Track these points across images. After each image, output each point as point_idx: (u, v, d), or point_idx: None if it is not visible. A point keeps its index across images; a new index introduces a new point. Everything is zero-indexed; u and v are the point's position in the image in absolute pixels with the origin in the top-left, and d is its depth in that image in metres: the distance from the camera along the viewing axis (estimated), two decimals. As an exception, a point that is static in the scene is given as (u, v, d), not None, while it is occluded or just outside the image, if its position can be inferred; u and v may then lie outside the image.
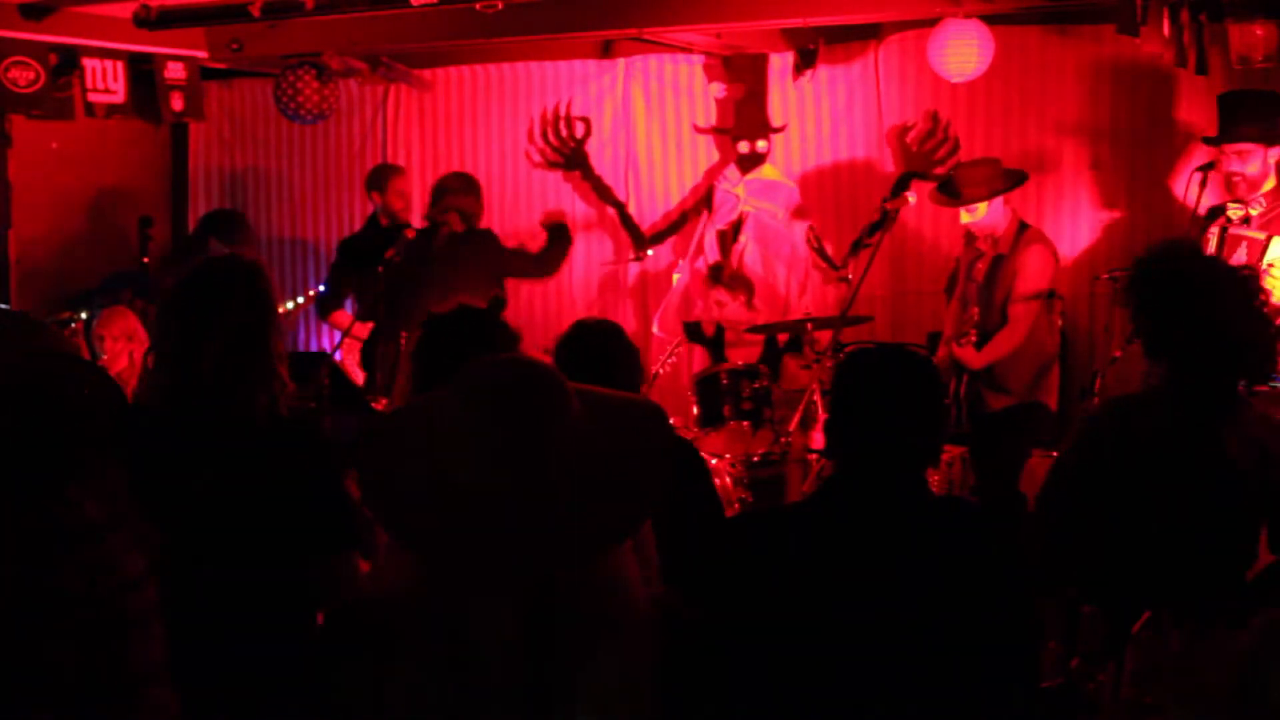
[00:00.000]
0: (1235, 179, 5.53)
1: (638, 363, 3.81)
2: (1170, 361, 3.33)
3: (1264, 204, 5.48)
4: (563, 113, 8.01)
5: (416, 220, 7.42)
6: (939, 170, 7.07)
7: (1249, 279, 3.55)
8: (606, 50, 8.01)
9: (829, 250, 7.38)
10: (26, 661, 2.24)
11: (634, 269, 8.00)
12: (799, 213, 7.51)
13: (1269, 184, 5.53)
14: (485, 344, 2.90)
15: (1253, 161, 5.52)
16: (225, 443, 2.90)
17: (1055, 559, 3.41)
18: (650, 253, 7.81)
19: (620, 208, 7.97)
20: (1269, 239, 5.28)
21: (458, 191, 7.02)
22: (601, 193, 8.02)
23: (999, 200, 6.05)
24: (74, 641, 2.28)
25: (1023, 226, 6.10)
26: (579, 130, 8.00)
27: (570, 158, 8.04)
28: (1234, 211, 5.48)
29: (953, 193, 6.15)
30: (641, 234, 7.92)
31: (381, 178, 7.50)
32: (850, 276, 6.34)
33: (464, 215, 6.94)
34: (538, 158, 8.12)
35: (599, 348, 3.70)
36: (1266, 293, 3.65)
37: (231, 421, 2.90)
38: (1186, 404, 3.27)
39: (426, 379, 3.00)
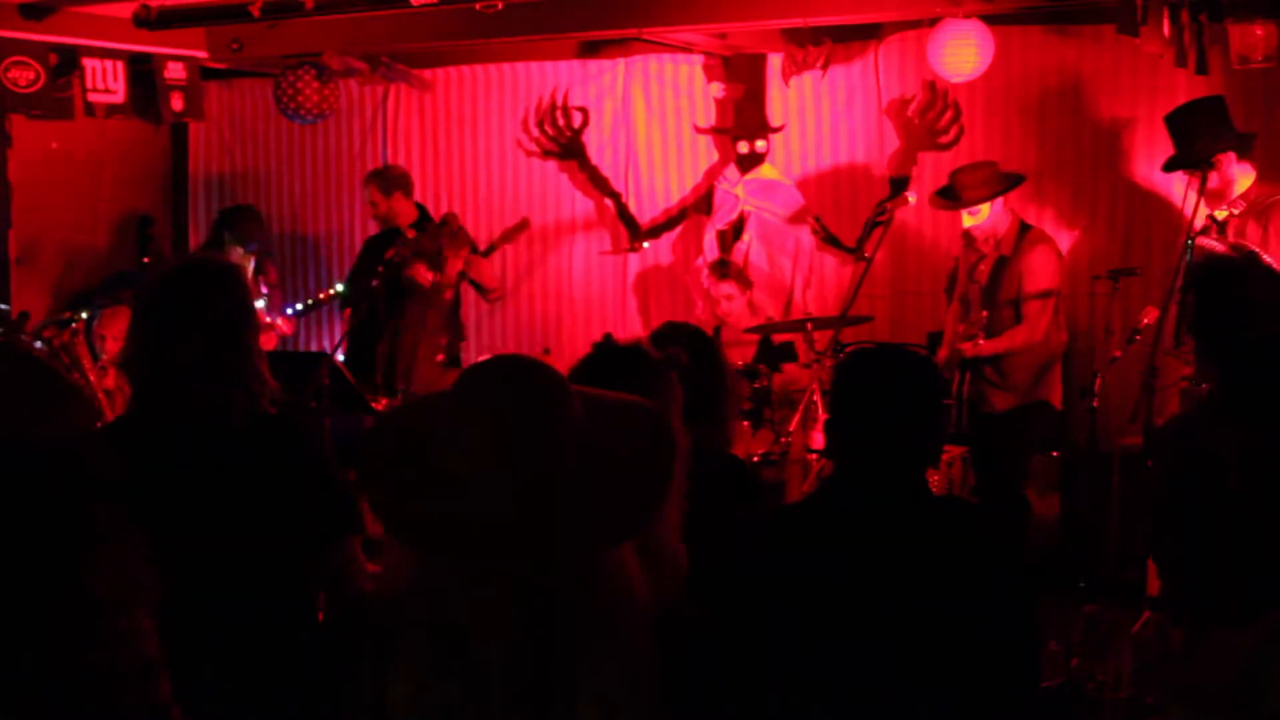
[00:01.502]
0: (1202, 193, 5.60)
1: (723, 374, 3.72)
2: (1227, 366, 3.29)
3: (1242, 205, 5.53)
4: (559, 102, 8.01)
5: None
6: (943, 139, 7.09)
7: None
8: (606, 50, 8.01)
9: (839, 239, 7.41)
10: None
11: (635, 265, 8.00)
12: (799, 213, 7.52)
13: (1246, 182, 5.56)
14: (630, 377, 2.91)
15: (1209, 176, 5.56)
16: (205, 442, 2.90)
17: (1181, 584, 3.36)
18: (646, 245, 7.81)
19: (617, 198, 7.97)
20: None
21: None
22: (598, 183, 8.02)
23: (999, 202, 6.07)
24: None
25: (1025, 227, 6.11)
26: (576, 120, 8.00)
27: (567, 147, 8.04)
28: (1220, 213, 5.52)
29: (953, 197, 6.16)
30: (638, 226, 7.92)
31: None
32: (868, 254, 6.33)
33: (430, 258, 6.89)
34: (532, 147, 8.12)
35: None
36: None
37: (208, 422, 2.89)
38: (1254, 408, 3.23)
39: None
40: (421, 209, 7.57)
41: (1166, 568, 3.41)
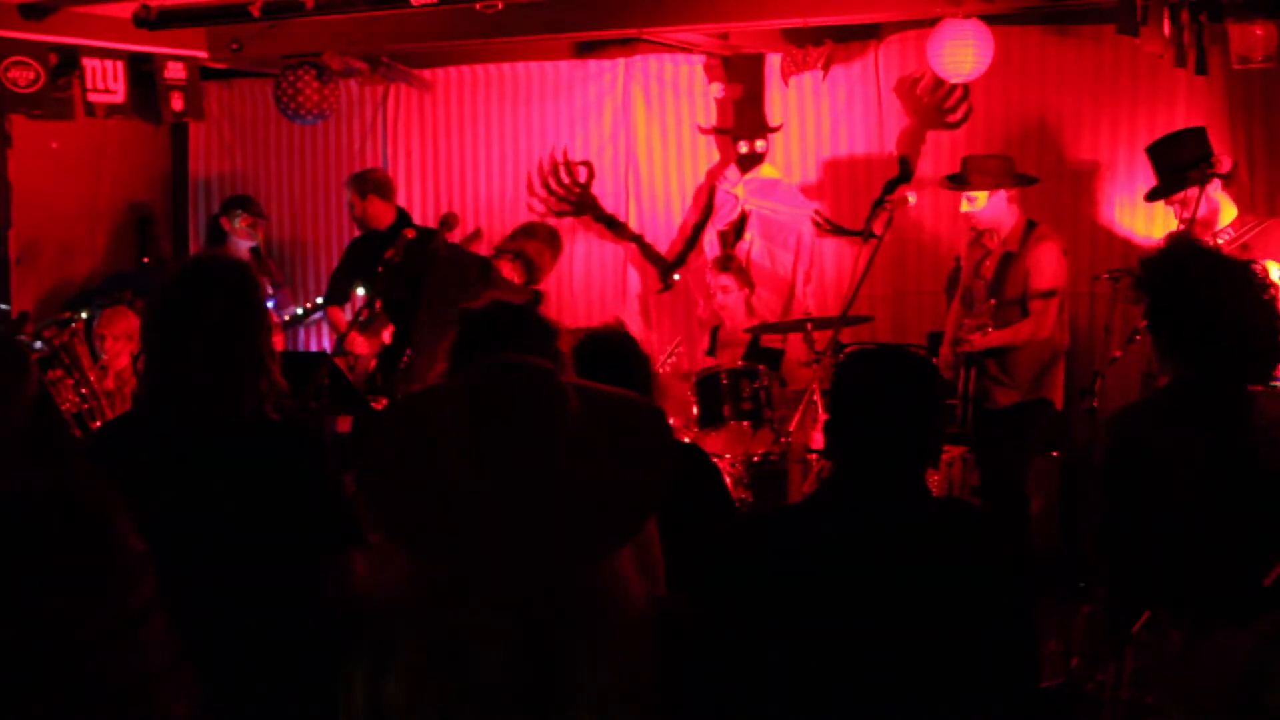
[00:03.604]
0: (1191, 222, 5.59)
1: (649, 371, 3.77)
2: (1180, 360, 3.30)
3: (1231, 233, 5.51)
4: (560, 159, 8.00)
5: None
6: (952, 118, 7.08)
7: (1254, 271, 3.53)
8: (606, 50, 8.00)
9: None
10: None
11: (633, 277, 8.00)
12: (799, 208, 7.52)
13: (1230, 213, 5.55)
14: (521, 338, 2.90)
15: (1198, 205, 5.55)
16: (211, 445, 2.89)
17: (1124, 575, 3.38)
18: (677, 277, 7.80)
19: (638, 240, 7.95)
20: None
21: (536, 238, 7.00)
22: (617, 230, 7.99)
23: (1001, 197, 6.04)
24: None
25: (1031, 225, 6.09)
26: (582, 175, 7.98)
27: (578, 203, 8.02)
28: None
29: (960, 181, 6.15)
30: (665, 261, 7.91)
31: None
32: (878, 232, 6.31)
33: (526, 261, 6.89)
34: (540, 207, 8.09)
35: (614, 356, 3.67)
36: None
37: (217, 423, 2.89)
38: (1204, 404, 3.24)
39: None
40: (401, 212, 7.57)
41: (1109, 560, 3.42)
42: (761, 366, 6.39)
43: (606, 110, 7.98)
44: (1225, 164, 5.59)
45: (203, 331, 2.89)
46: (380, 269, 6.59)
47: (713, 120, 7.77)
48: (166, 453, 2.89)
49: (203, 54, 7.68)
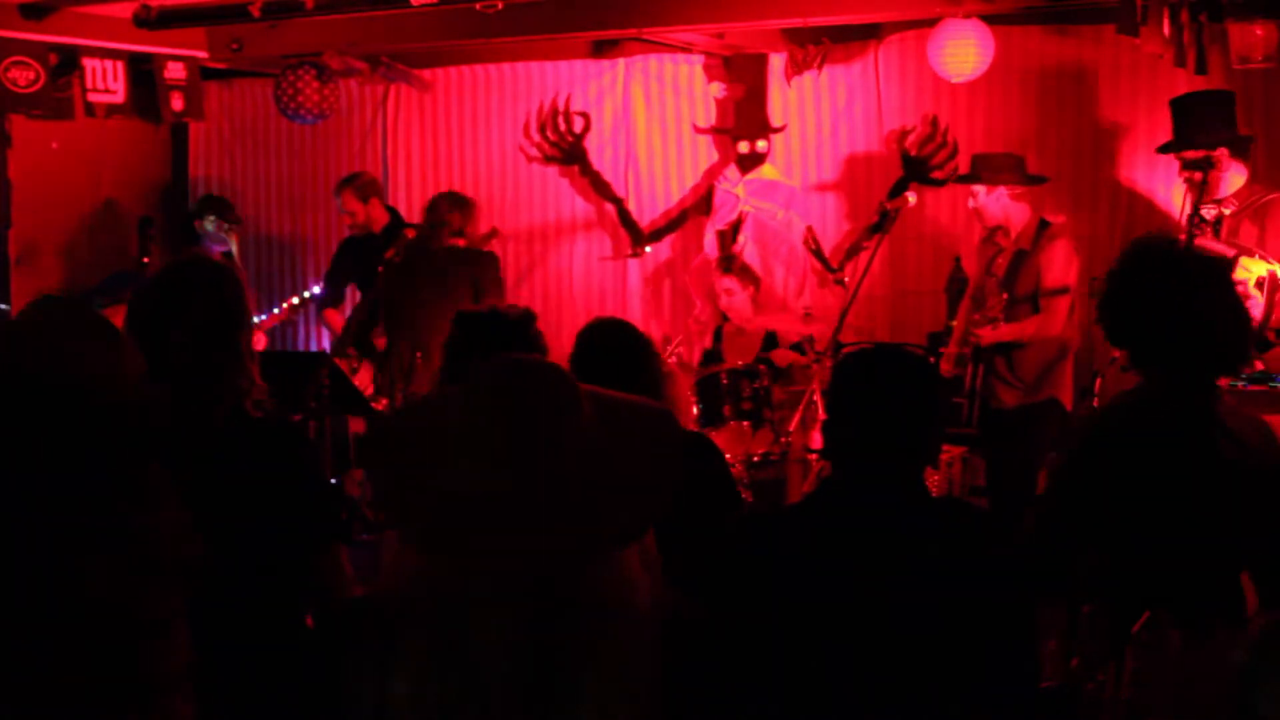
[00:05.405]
0: (1194, 183, 5.57)
1: (658, 365, 3.75)
2: (1140, 360, 3.32)
3: (1235, 204, 5.50)
4: (561, 107, 8.01)
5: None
6: (937, 175, 7.08)
7: (1221, 267, 3.51)
8: (606, 50, 8.01)
9: (826, 253, 7.40)
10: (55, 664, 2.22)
11: (635, 265, 8.00)
12: (798, 213, 7.52)
13: (1238, 181, 5.53)
14: (516, 348, 2.92)
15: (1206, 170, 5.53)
16: (194, 443, 2.89)
17: (1062, 567, 3.38)
18: (649, 249, 7.81)
19: (619, 204, 7.97)
20: (1236, 257, 5.26)
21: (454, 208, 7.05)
22: (600, 189, 8.02)
23: (1002, 194, 6.02)
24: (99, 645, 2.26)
25: (1045, 223, 6.06)
26: (578, 125, 8.00)
27: (569, 152, 8.04)
28: (1208, 211, 5.48)
29: (970, 178, 6.15)
30: (640, 231, 7.92)
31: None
32: (846, 279, 6.31)
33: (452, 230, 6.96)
34: (534, 152, 8.12)
35: (621, 347, 3.65)
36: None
37: (193, 422, 2.89)
38: (1169, 400, 3.25)
39: (453, 375, 3.02)
40: (394, 212, 7.57)
41: (1057, 552, 3.42)
42: (762, 366, 6.39)
43: (606, 110, 7.98)
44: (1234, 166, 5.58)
45: (185, 330, 2.89)
46: (381, 269, 6.61)
47: (713, 120, 7.77)
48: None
49: (203, 54, 7.69)
